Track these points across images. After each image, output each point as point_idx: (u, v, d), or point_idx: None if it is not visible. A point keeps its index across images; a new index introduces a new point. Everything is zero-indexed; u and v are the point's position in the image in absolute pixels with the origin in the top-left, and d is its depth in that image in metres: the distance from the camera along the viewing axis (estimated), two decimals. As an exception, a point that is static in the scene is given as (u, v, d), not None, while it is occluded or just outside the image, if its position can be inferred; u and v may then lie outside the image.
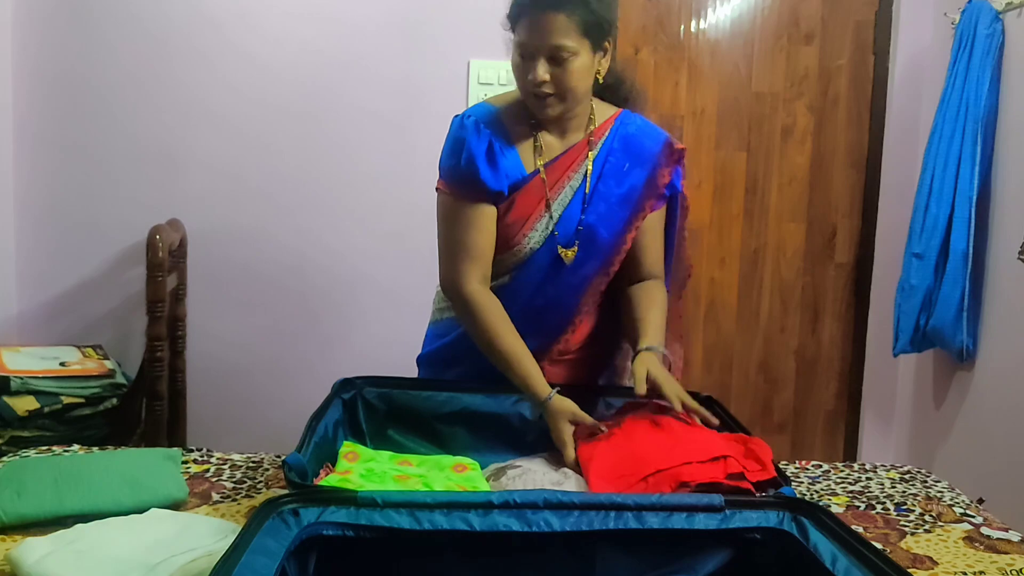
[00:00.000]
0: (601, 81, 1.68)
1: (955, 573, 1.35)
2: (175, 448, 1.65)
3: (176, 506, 1.49)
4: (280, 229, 3.07)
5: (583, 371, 1.85)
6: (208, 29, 2.97)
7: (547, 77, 1.58)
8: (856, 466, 1.85)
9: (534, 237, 1.70)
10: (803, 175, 3.31)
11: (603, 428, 1.57)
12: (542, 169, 1.69)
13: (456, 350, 1.82)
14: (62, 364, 2.66)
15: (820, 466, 1.84)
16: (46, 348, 2.78)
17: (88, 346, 2.86)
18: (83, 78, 2.95)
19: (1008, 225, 2.70)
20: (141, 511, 1.42)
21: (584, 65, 1.60)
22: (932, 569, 1.37)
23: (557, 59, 1.57)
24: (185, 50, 2.97)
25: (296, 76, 3.01)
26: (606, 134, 1.73)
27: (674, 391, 1.57)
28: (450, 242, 1.70)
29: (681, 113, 3.25)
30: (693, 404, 1.57)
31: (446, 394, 1.74)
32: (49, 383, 2.54)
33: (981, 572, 1.36)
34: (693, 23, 3.22)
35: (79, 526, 1.34)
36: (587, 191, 1.70)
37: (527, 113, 1.69)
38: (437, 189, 1.73)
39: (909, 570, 1.18)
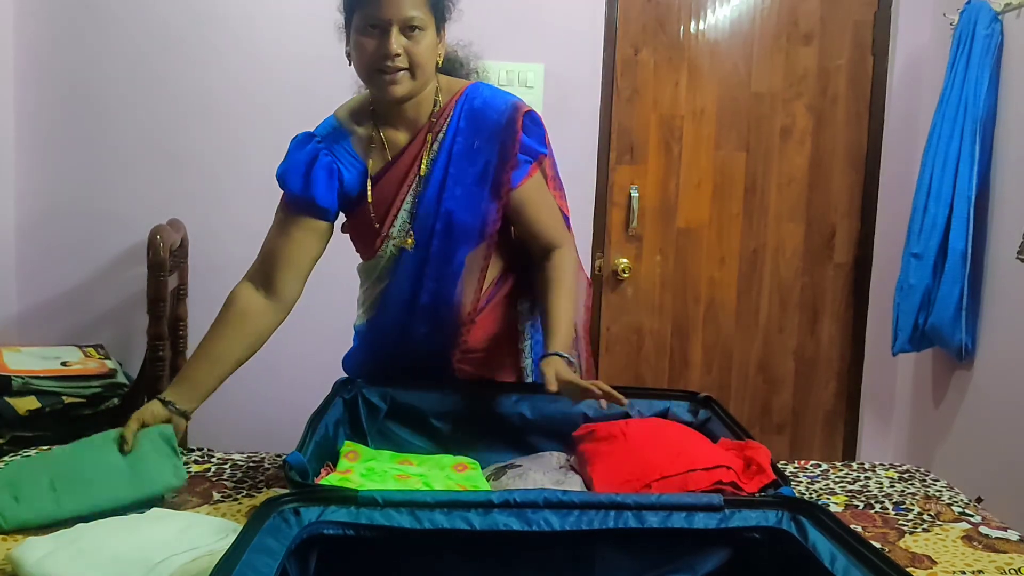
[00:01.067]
0: (440, 64, 1.66)
1: (954, 572, 1.36)
2: (166, 425, 1.59)
3: (175, 492, 1.51)
4: (280, 229, 3.07)
5: (492, 369, 1.83)
6: (209, 29, 2.98)
7: (398, 50, 1.56)
8: (855, 465, 1.85)
9: (393, 240, 1.69)
10: (802, 175, 3.32)
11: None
12: (387, 170, 1.68)
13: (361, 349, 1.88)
14: (63, 364, 2.66)
15: (819, 465, 1.84)
16: (47, 348, 2.78)
17: (89, 346, 2.86)
18: (84, 78, 2.95)
19: (1006, 224, 2.71)
20: (141, 503, 1.43)
21: (432, 42, 1.60)
22: (931, 568, 1.37)
23: (408, 32, 1.57)
24: (186, 50, 2.98)
25: (297, 76, 3.01)
26: (451, 114, 1.67)
27: (586, 383, 1.55)
28: (263, 247, 1.73)
29: (681, 113, 3.26)
30: (607, 388, 1.54)
31: (447, 394, 1.75)
32: (50, 383, 2.55)
33: (980, 571, 1.36)
34: (693, 23, 3.23)
35: (80, 525, 1.35)
36: (443, 180, 1.65)
37: (366, 112, 1.70)
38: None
39: (908, 569, 1.18)
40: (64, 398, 2.53)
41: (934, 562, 1.39)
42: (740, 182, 3.31)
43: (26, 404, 2.47)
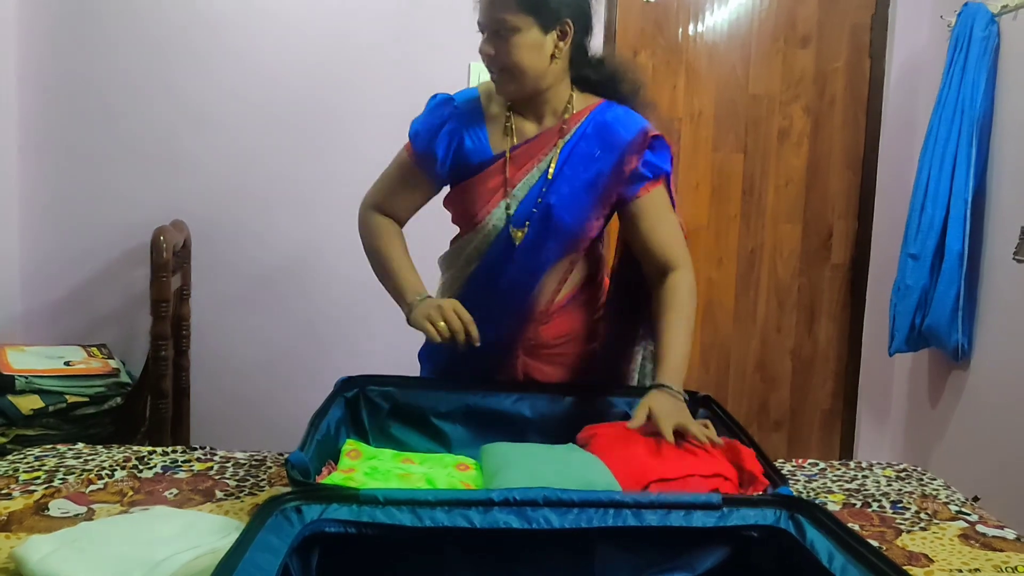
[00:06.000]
0: (553, 63, 1.67)
1: (951, 571, 1.36)
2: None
3: None
4: (282, 229, 3.08)
5: (567, 370, 1.84)
6: (211, 32, 2.99)
7: (491, 51, 1.63)
8: (852, 464, 1.86)
9: (495, 215, 1.72)
10: (800, 176, 3.33)
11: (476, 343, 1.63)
12: (508, 150, 1.72)
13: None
14: (67, 363, 2.67)
15: (816, 464, 1.85)
16: (51, 347, 2.79)
17: (93, 345, 2.87)
18: (87, 81, 2.96)
19: (1003, 225, 2.72)
20: None
21: (528, 42, 1.62)
22: (928, 567, 1.37)
23: (500, 34, 1.62)
24: (189, 53, 2.99)
25: (298, 78, 3.03)
26: (581, 121, 1.72)
27: (669, 425, 1.49)
28: (384, 181, 1.83)
29: (679, 115, 3.27)
30: (711, 435, 1.51)
31: (448, 393, 1.75)
32: (54, 382, 2.56)
33: (976, 570, 1.36)
34: (691, 26, 3.24)
35: (83, 524, 1.35)
36: (550, 175, 1.70)
37: (503, 98, 1.74)
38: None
39: (905, 567, 1.19)
40: (67, 397, 2.54)
41: (931, 560, 1.39)
42: (738, 183, 3.32)
43: (29, 403, 2.48)
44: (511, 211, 1.71)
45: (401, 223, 1.84)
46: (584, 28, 1.70)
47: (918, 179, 2.91)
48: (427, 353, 1.94)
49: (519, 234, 1.71)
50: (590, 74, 1.74)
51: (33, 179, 2.96)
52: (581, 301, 1.82)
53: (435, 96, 1.78)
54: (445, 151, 1.73)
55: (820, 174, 3.33)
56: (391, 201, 1.82)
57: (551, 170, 1.69)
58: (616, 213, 1.77)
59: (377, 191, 1.83)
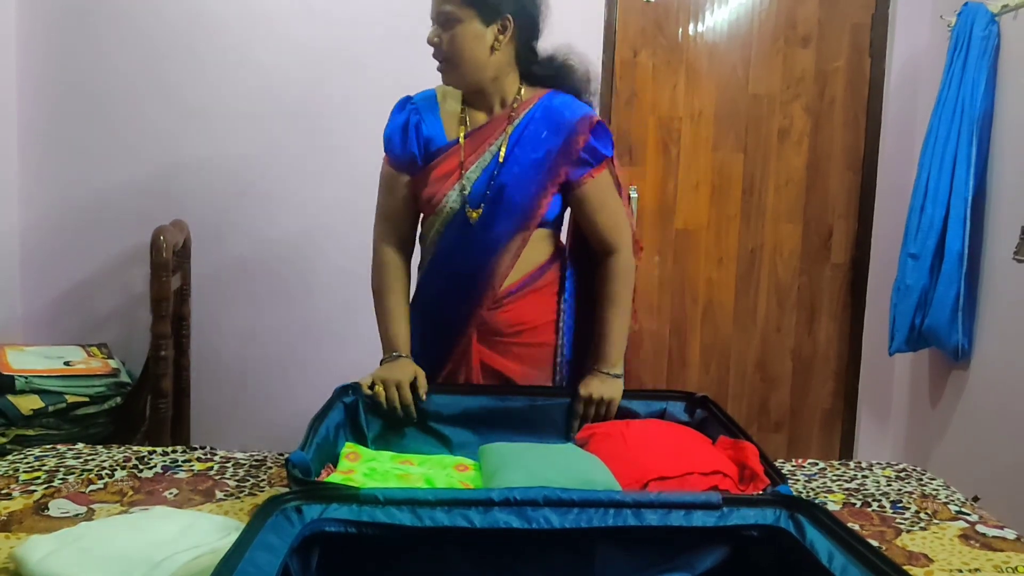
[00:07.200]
0: (492, 54, 1.79)
1: (950, 571, 1.36)
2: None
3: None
4: (282, 229, 3.08)
5: (526, 366, 1.90)
6: (210, 32, 2.99)
7: (436, 40, 1.78)
8: (852, 464, 1.86)
9: (451, 197, 1.82)
10: (800, 176, 3.33)
11: (422, 397, 1.73)
12: (462, 137, 1.84)
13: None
14: (67, 363, 2.67)
15: (816, 464, 1.85)
16: (51, 347, 2.79)
17: (93, 345, 2.87)
18: (87, 80, 2.96)
19: (1003, 225, 2.72)
20: None
21: (469, 33, 1.76)
22: (928, 567, 1.37)
23: (445, 25, 1.76)
24: (188, 52, 2.99)
25: (298, 77, 3.03)
26: (530, 107, 1.84)
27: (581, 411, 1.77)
28: (378, 204, 1.92)
29: (679, 115, 3.27)
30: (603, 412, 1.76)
31: (447, 396, 1.76)
32: (54, 382, 2.56)
33: (976, 570, 1.36)
34: (691, 26, 3.24)
35: (83, 524, 1.35)
36: (501, 158, 1.81)
37: (458, 92, 1.88)
38: None
39: (905, 567, 1.19)
40: (67, 397, 2.54)
41: (931, 560, 1.40)
42: (738, 183, 3.32)
43: (29, 403, 2.48)
44: (466, 192, 1.81)
45: (411, 240, 1.93)
46: (529, 27, 1.83)
47: (918, 178, 2.91)
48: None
49: (475, 214, 1.81)
50: (537, 70, 1.87)
51: (33, 178, 2.96)
52: (534, 288, 1.89)
53: (398, 102, 1.91)
54: (416, 145, 1.85)
55: (820, 174, 3.33)
56: (393, 222, 1.90)
57: (502, 152, 1.81)
58: (564, 199, 1.88)
59: (378, 221, 1.92)
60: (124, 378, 2.72)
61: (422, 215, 1.92)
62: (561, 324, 1.91)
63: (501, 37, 1.78)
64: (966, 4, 2.81)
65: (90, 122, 2.98)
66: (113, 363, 2.75)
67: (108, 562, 1.22)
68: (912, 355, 3.18)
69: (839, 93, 3.30)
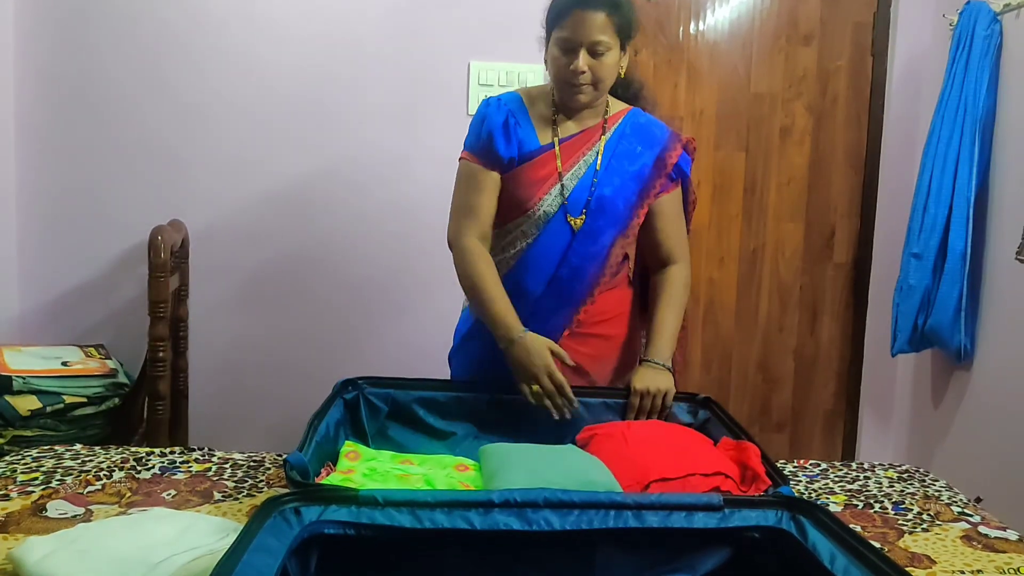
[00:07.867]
0: (622, 75, 1.91)
1: (953, 572, 1.36)
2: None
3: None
4: (281, 229, 3.08)
5: (604, 353, 1.95)
6: (209, 31, 2.98)
7: (584, 68, 1.81)
8: (854, 465, 1.86)
9: (546, 202, 1.87)
10: (802, 175, 3.32)
11: (569, 362, 1.79)
12: (556, 143, 1.89)
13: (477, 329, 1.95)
14: (64, 364, 2.66)
15: (818, 465, 1.84)
16: (48, 348, 2.78)
17: (90, 346, 2.87)
18: (85, 80, 2.96)
19: (1006, 225, 2.71)
20: None
21: (614, 60, 1.84)
22: (930, 568, 1.37)
23: (595, 52, 1.81)
24: (186, 51, 2.98)
25: (297, 78, 3.02)
26: (619, 122, 1.94)
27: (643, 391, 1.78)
28: (459, 201, 1.92)
29: (680, 114, 3.26)
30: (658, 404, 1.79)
31: (447, 394, 1.75)
32: (51, 383, 2.55)
33: (979, 571, 1.36)
34: (692, 24, 3.23)
35: (81, 525, 1.35)
36: (598, 167, 1.88)
37: (549, 100, 1.92)
38: (460, 159, 1.95)
39: (907, 569, 1.18)
40: (65, 398, 2.53)
41: (933, 562, 1.39)
42: (739, 182, 3.31)
43: (27, 404, 2.47)
44: (565, 201, 1.87)
45: (489, 237, 1.93)
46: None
47: (920, 178, 2.90)
48: (456, 351, 2.05)
49: (577, 222, 1.87)
50: (621, 91, 1.97)
51: (31, 179, 2.96)
52: (618, 281, 1.96)
53: (483, 102, 1.94)
54: (509, 142, 1.87)
55: (822, 173, 3.33)
56: (478, 218, 1.89)
57: (599, 162, 1.88)
58: None
59: (460, 216, 1.91)
60: (122, 379, 2.71)
61: (503, 222, 1.93)
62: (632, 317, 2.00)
63: (624, 61, 1.90)
64: (968, 3, 2.80)
65: (88, 121, 2.97)
66: (111, 364, 2.75)
67: (106, 563, 1.22)
68: (915, 356, 3.17)
69: (841, 92, 3.29)
